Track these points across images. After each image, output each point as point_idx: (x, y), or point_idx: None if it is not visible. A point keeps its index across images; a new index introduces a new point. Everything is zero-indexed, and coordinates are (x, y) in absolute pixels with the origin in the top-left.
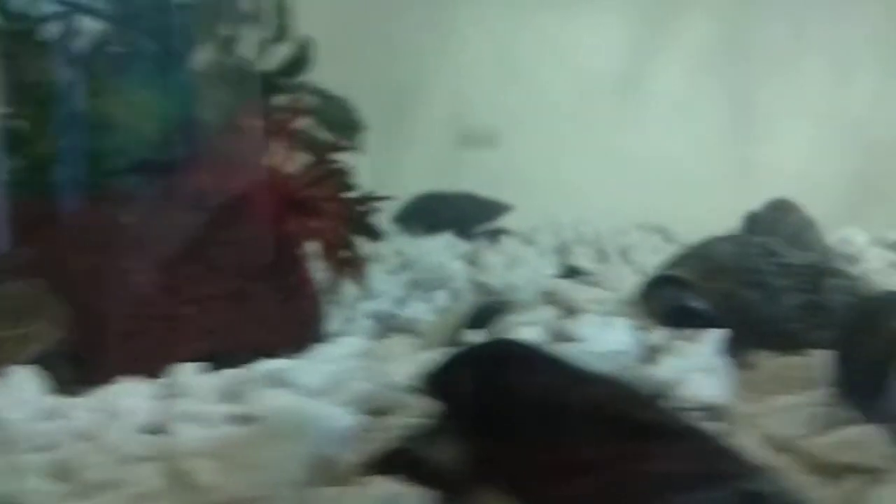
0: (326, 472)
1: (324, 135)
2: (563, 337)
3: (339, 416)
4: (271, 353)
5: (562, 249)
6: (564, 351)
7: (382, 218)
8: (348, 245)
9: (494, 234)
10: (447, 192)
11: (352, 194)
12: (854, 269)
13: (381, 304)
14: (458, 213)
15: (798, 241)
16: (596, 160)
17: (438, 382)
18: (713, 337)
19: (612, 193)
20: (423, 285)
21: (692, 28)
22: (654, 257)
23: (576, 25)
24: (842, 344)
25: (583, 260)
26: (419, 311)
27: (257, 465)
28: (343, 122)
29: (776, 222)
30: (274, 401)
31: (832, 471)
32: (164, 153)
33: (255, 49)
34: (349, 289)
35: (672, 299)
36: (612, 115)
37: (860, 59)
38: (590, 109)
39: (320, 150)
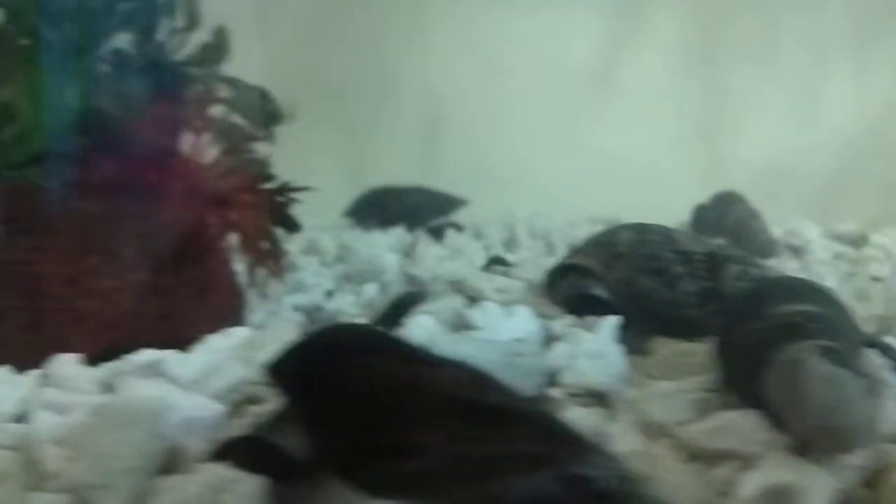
0: (172, 461)
1: (241, 125)
2: (462, 325)
3: (199, 406)
4: (184, 348)
5: (510, 242)
6: (463, 338)
7: (335, 211)
8: (267, 237)
9: (439, 229)
10: (400, 186)
11: (269, 185)
12: (779, 261)
13: (310, 297)
14: (410, 207)
15: (741, 231)
16: (567, 154)
17: (278, 371)
18: (609, 324)
19: (582, 187)
20: (355, 278)
21: (666, 21)
22: None
23: (548, 18)
24: (724, 330)
25: (526, 252)
26: (346, 303)
27: (99, 453)
28: (261, 112)
29: (721, 214)
30: (141, 391)
31: (707, 457)
32: (70, 144)
33: (167, 38)
34: (277, 281)
35: (574, 287)
36: (584, 109)
37: (836, 52)
38: (562, 103)
39: (235, 141)
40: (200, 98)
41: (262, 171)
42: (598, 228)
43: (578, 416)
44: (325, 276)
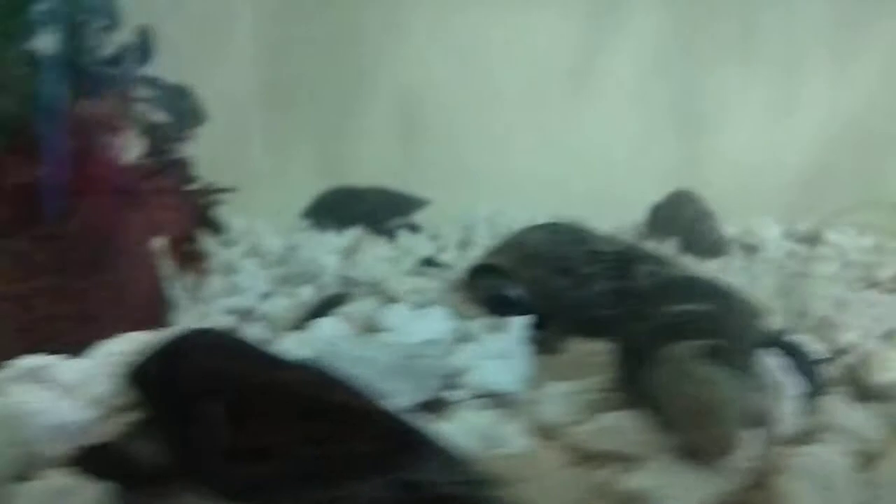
0: (30, 467)
1: (164, 125)
2: (372, 327)
3: (69, 412)
4: (78, 353)
5: (464, 243)
6: (362, 341)
7: (292, 211)
8: (190, 239)
9: (391, 230)
10: (359, 187)
11: (192, 186)
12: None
13: (244, 300)
14: (369, 208)
15: (692, 230)
16: (541, 152)
17: (136, 376)
18: (518, 324)
19: (554, 185)
20: (293, 280)
21: (643, 19)
22: None
23: (525, 16)
24: (619, 329)
25: (479, 251)
26: (280, 305)
27: None
28: (183, 113)
29: (674, 213)
30: (13, 397)
31: (594, 458)
32: None
33: (89, 38)
34: (198, 283)
35: (490, 288)
36: (560, 107)
37: (813, 50)
38: (538, 101)
39: (156, 141)
40: (119, 98)
41: (184, 171)
42: None
43: (474, 419)
44: (263, 278)
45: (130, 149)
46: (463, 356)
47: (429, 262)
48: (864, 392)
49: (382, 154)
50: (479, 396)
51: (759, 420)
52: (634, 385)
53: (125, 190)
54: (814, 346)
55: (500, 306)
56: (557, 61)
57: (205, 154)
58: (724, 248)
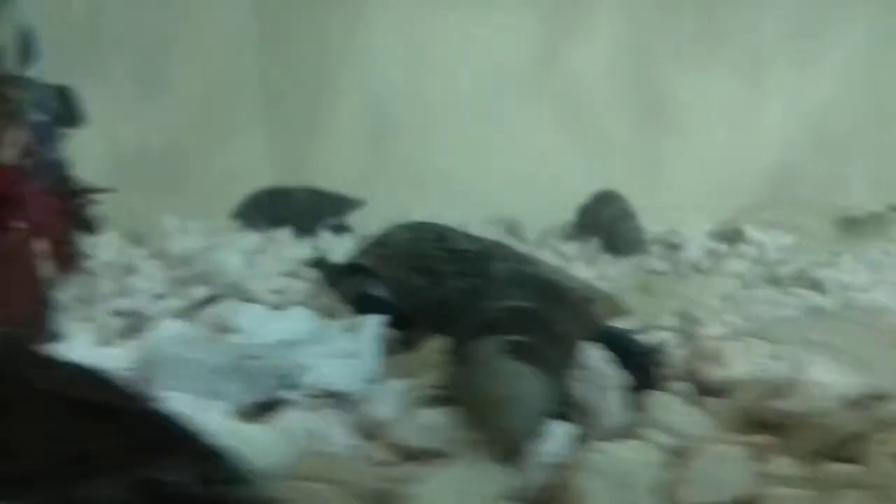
0: None
1: (42, 125)
2: (223, 328)
3: None
4: None
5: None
6: (196, 343)
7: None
8: (66, 239)
9: (314, 231)
10: (290, 187)
11: (67, 188)
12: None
13: (134, 301)
14: (300, 209)
15: (613, 229)
16: (501, 155)
17: None
18: (372, 323)
19: (502, 187)
20: (191, 281)
21: (603, 22)
22: None
23: (487, 21)
24: (450, 326)
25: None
26: (170, 307)
27: None
28: (62, 114)
29: (597, 213)
30: None
31: (410, 455)
32: None
33: None
34: (104, 285)
35: (355, 287)
36: (518, 109)
37: (771, 57)
38: (498, 105)
39: (31, 142)
40: None
41: (60, 173)
42: (494, 229)
43: (304, 418)
44: (161, 280)
45: (6, 150)
46: (307, 356)
47: (318, 263)
48: (703, 388)
49: (345, 154)
50: (317, 396)
51: (567, 415)
52: (454, 381)
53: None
54: (664, 341)
55: (366, 306)
56: (518, 63)
57: (169, 155)
58: (641, 246)
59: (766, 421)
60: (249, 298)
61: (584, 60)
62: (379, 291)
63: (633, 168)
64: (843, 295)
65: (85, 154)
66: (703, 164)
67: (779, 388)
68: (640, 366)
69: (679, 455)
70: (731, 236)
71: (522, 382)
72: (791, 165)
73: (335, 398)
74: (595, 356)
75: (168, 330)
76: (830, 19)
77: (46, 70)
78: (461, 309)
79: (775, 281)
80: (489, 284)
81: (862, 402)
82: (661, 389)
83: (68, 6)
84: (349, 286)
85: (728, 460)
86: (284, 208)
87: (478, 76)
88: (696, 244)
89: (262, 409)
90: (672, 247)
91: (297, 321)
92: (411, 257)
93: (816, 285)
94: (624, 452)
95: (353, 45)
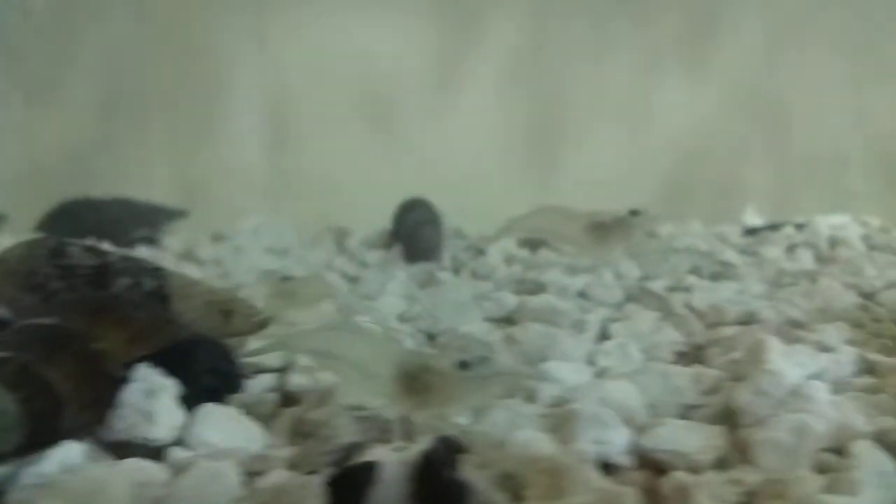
0: None
1: None
2: None
3: None
4: None
5: (186, 255)
6: None
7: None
8: None
9: (131, 243)
10: (99, 198)
11: None
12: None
13: None
14: (108, 220)
15: (412, 236)
16: (392, 163)
17: None
18: None
19: (396, 196)
20: None
21: (498, 31)
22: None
23: (385, 25)
24: None
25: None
26: None
27: None
28: None
29: (400, 220)
30: None
31: None
32: None
33: None
34: None
35: None
36: (415, 118)
37: (664, 60)
38: (394, 112)
39: None
40: None
41: None
42: (324, 237)
43: None
44: None
45: None
46: None
47: None
48: (287, 400)
49: (241, 164)
50: None
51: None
52: None
53: None
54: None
55: None
56: (417, 70)
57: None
58: (434, 253)
59: (304, 431)
60: None
61: (479, 68)
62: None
63: (527, 174)
64: None
65: None
66: (596, 169)
67: (320, 398)
68: (218, 378)
69: (182, 470)
70: (535, 243)
71: None
72: (683, 172)
73: None
74: (149, 371)
75: None
76: (723, 25)
77: None
78: None
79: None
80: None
81: (370, 415)
82: (232, 403)
83: None
84: None
85: (219, 475)
86: (91, 219)
87: (373, 83)
88: (499, 250)
89: None
90: (477, 251)
91: None
92: (23, 274)
93: None
94: (103, 472)
95: (247, 52)
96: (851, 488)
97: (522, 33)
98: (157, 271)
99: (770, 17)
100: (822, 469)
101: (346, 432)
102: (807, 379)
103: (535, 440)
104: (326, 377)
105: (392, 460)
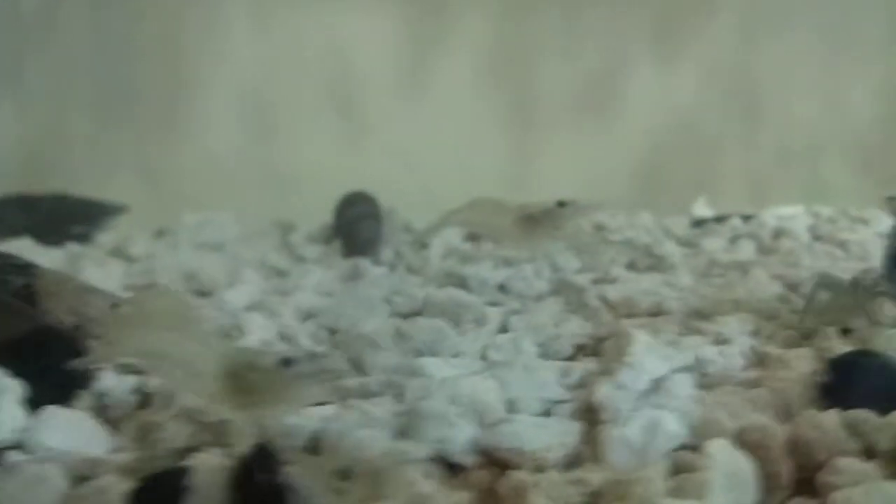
0: None
1: None
2: None
3: None
4: None
5: (117, 251)
6: None
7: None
8: None
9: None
10: (34, 193)
11: None
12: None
13: None
14: (43, 216)
15: (350, 230)
16: (366, 156)
17: None
18: None
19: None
20: None
21: (470, 21)
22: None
23: (353, 17)
24: None
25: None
26: None
27: None
28: None
29: (340, 214)
30: None
31: None
32: None
33: None
34: None
35: None
36: (385, 114)
37: (638, 48)
38: (363, 107)
39: None
40: None
41: None
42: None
43: None
44: None
45: None
46: None
47: None
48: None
49: (209, 157)
50: None
51: None
52: None
53: None
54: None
55: None
56: (385, 64)
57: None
58: (372, 247)
59: (145, 435)
60: None
61: (449, 60)
62: None
63: (501, 167)
64: None
65: None
66: (570, 162)
67: (166, 400)
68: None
69: (7, 473)
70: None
71: None
72: (657, 164)
73: None
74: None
75: None
76: (696, 15)
77: None
78: None
79: None
80: None
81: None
82: (84, 405)
83: None
84: None
85: (42, 479)
86: (23, 216)
87: (343, 75)
88: (443, 244)
89: None
90: (423, 246)
91: None
92: None
93: None
94: None
95: (216, 44)
96: (700, 491)
97: (494, 23)
98: (27, 268)
99: (745, 5)
100: (678, 469)
101: (180, 436)
102: (673, 373)
103: (369, 440)
104: (154, 378)
105: (207, 466)
